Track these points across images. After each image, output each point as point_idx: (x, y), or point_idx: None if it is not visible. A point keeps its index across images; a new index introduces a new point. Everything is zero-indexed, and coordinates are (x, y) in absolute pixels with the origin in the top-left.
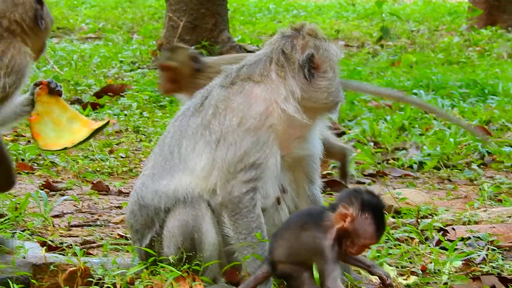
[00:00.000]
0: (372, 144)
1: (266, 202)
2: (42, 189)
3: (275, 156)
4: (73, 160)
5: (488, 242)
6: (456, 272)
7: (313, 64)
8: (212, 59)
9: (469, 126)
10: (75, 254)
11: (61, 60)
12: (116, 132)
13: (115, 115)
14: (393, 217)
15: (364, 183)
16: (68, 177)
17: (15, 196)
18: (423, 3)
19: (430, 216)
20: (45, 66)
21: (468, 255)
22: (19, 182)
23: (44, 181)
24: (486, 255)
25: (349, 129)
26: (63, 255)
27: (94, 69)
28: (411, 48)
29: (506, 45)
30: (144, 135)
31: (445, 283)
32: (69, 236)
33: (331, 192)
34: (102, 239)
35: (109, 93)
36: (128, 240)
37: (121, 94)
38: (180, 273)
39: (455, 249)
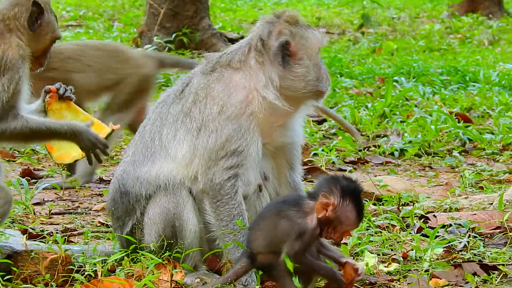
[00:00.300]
0: None
1: (247, 189)
2: (23, 177)
3: (256, 143)
4: None
5: (469, 229)
6: (437, 259)
7: (288, 52)
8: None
9: (351, 127)
10: (56, 242)
11: None
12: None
13: None
14: (374, 204)
15: (345, 170)
16: (49, 165)
17: None
18: None
19: (411, 203)
20: None
21: (450, 242)
22: None
23: (25, 169)
24: (468, 242)
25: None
26: (44, 242)
27: None
28: (392, 35)
29: (487, 32)
30: None
31: (426, 270)
32: (50, 224)
33: (312, 180)
34: (83, 226)
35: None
36: (109, 227)
37: None
38: (161, 260)
39: (436, 236)
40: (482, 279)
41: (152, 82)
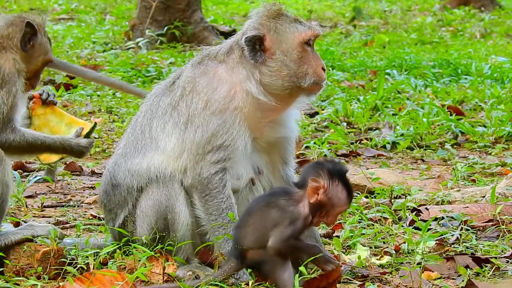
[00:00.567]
0: (345, 124)
1: (238, 183)
2: (15, 170)
3: (243, 137)
4: None
5: (461, 222)
6: (429, 252)
7: (260, 46)
8: None
9: (134, 90)
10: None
11: None
12: (89, 112)
13: (88, 95)
14: (367, 197)
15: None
16: None
17: None
18: None
19: (404, 196)
20: None
21: (442, 235)
22: None
23: (17, 162)
24: (460, 235)
25: (322, 109)
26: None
27: (67, 50)
28: (384, 28)
29: (479, 25)
30: (117, 115)
31: (419, 263)
32: (42, 217)
33: None
34: (75, 219)
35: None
36: (101, 220)
37: None
38: (153, 253)
39: (429, 229)
40: (475, 272)
41: None
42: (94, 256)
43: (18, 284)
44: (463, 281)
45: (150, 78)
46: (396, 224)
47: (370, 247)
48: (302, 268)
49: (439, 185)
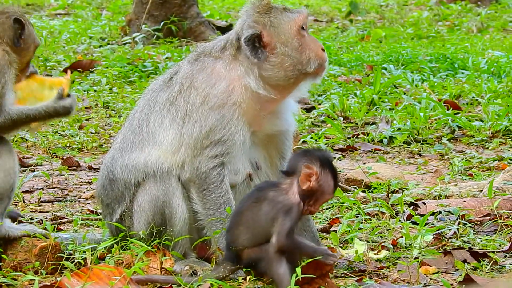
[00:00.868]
0: (342, 118)
1: (236, 178)
2: None
3: (241, 132)
4: (43, 136)
5: (459, 216)
6: (427, 246)
7: (260, 43)
8: None
9: None
10: (45, 230)
11: None
12: (86, 108)
13: (84, 91)
14: (364, 191)
15: (334, 158)
16: (38, 153)
17: None
18: None
19: (401, 191)
20: None
21: (439, 229)
22: None
23: None
24: (457, 229)
25: (319, 104)
26: None
27: (64, 45)
28: (380, 22)
29: (476, 20)
30: (114, 110)
31: (416, 258)
32: (40, 212)
33: None
34: (72, 214)
35: (78, 69)
36: (98, 215)
37: (90, 70)
38: (150, 248)
39: (426, 223)
40: (472, 267)
41: None
42: (91, 251)
43: (15, 279)
44: (460, 275)
45: (147, 73)
46: (393, 218)
47: (368, 242)
48: (298, 270)
49: (436, 179)
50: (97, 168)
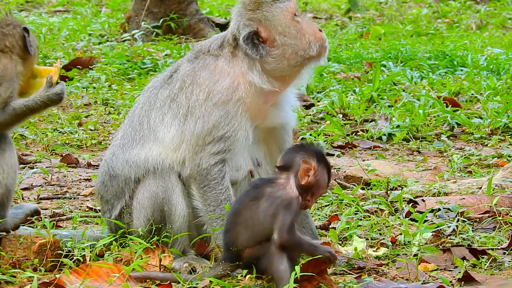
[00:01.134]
0: (341, 116)
1: (237, 174)
2: None
3: (244, 128)
4: (42, 133)
5: (458, 213)
6: (426, 243)
7: (259, 40)
8: None
9: None
10: (44, 227)
11: None
12: (85, 105)
13: (83, 88)
14: (363, 188)
15: (333, 155)
16: (37, 150)
17: None
18: None
19: (400, 188)
20: None
21: (438, 226)
22: None
23: None
24: (456, 226)
25: (318, 101)
26: (33, 227)
27: (63, 42)
28: (379, 20)
29: (475, 17)
30: (113, 107)
31: (415, 255)
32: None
33: None
34: (71, 211)
35: (77, 66)
36: (97, 212)
37: (89, 67)
38: (149, 245)
39: (425, 220)
40: (471, 264)
41: None
42: (90, 248)
43: (14, 276)
44: (459, 272)
45: (146, 70)
46: (392, 215)
47: (367, 239)
48: (297, 268)
49: (435, 176)
50: (96, 165)
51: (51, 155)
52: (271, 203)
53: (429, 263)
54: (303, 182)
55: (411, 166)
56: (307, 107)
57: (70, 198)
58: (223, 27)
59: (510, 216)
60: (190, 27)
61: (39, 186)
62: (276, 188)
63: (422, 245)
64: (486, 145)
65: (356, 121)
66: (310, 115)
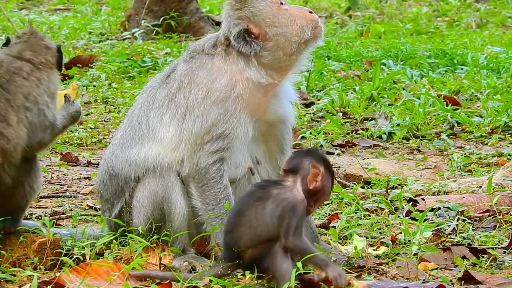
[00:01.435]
0: (341, 114)
1: (236, 171)
2: None
3: (243, 125)
4: None
5: (458, 212)
6: (426, 242)
7: (251, 36)
8: None
9: None
10: (44, 225)
11: None
12: (85, 103)
13: (84, 86)
14: (363, 187)
15: (333, 153)
16: None
17: None
18: None
19: (400, 187)
20: None
21: (438, 225)
22: None
23: None
24: (456, 225)
25: (318, 100)
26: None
27: (63, 41)
28: (379, 18)
29: (475, 15)
30: (113, 106)
31: (415, 254)
32: (39, 207)
33: None
34: (71, 210)
35: (78, 64)
36: (97, 211)
37: (90, 65)
38: (149, 243)
39: (425, 219)
40: (472, 263)
41: None
42: (90, 247)
43: (14, 275)
44: (460, 271)
45: (146, 69)
46: (392, 214)
47: (367, 238)
48: (299, 264)
49: (435, 175)
50: (96, 164)
51: (51, 153)
52: (277, 205)
53: (429, 262)
54: (311, 187)
55: (411, 164)
56: (307, 105)
57: (70, 197)
58: None
59: (510, 215)
60: (190, 25)
61: None
62: (283, 190)
63: (422, 244)
64: (486, 144)
65: (356, 119)
66: (310, 113)
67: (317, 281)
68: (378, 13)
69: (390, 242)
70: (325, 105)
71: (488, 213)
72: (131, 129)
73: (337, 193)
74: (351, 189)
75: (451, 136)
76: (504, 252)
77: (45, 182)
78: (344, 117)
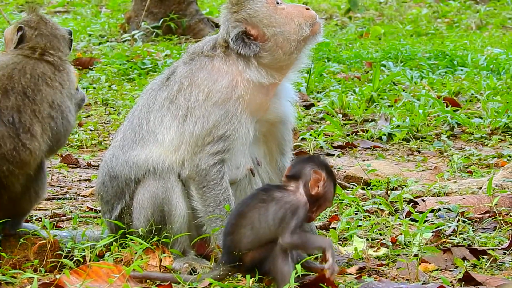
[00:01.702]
0: (341, 116)
1: (237, 172)
2: None
3: (244, 125)
4: None
5: (458, 213)
6: (426, 243)
7: (250, 38)
8: None
9: None
10: (44, 227)
11: None
12: (85, 105)
13: (84, 88)
14: (363, 189)
15: (333, 155)
16: None
17: None
18: None
19: (400, 188)
20: None
21: (439, 226)
22: None
23: None
24: (457, 226)
25: (318, 101)
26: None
27: None
28: (379, 20)
29: (475, 17)
30: (113, 108)
31: (416, 255)
32: (39, 209)
33: None
34: (71, 212)
35: (78, 67)
36: (97, 213)
37: (90, 67)
38: (149, 245)
39: (425, 220)
40: (472, 264)
41: None
42: (90, 249)
43: (14, 277)
44: (460, 273)
45: (146, 71)
46: (392, 215)
47: (367, 239)
48: (298, 267)
49: (435, 176)
50: (97, 166)
51: None
52: (280, 207)
53: (430, 263)
54: (313, 192)
55: (411, 166)
56: (307, 107)
57: (70, 199)
58: None
59: (510, 216)
60: (190, 27)
61: None
62: (286, 194)
63: (422, 245)
64: (486, 145)
65: (356, 121)
66: (310, 115)
67: (320, 268)
68: (378, 15)
69: (390, 243)
70: (325, 106)
71: (488, 214)
72: (131, 131)
73: (337, 195)
74: (351, 190)
75: (451, 138)
76: (505, 253)
77: None
78: (344, 119)
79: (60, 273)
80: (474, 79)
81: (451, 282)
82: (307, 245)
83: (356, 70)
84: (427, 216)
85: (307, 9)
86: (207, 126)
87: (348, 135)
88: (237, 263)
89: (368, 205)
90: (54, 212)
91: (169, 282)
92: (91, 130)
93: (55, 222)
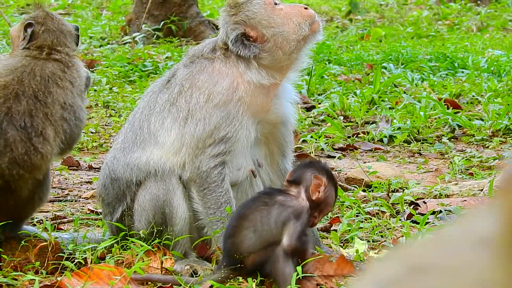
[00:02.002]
0: (342, 118)
1: (238, 174)
2: None
3: (245, 127)
4: None
5: (459, 215)
6: None
7: (249, 40)
8: None
9: None
10: (45, 229)
11: None
12: (86, 107)
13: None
14: (364, 191)
15: (334, 157)
16: None
17: None
18: None
19: (401, 190)
20: None
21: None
22: None
23: None
24: None
25: (319, 103)
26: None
27: None
28: (380, 22)
29: (475, 19)
30: (114, 110)
31: None
32: (40, 212)
33: None
34: (72, 214)
35: None
36: (98, 215)
37: (91, 69)
38: (150, 247)
39: (427, 222)
40: None
41: None
42: (91, 251)
43: (16, 279)
44: None
45: (147, 73)
46: (394, 217)
47: (368, 241)
48: (298, 268)
49: (436, 178)
50: (97, 168)
51: None
52: (283, 211)
53: None
54: (314, 197)
55: (412, 168)
56: (308, 109)
57: (71, 201)
58: None
59: None
60: (190, 29)
61: None
62: (288, 198)
63: None
64: (487, 147)
65: (357, 123)
66: (311, 117)
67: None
68: (379, 17)
69: (392, 245)
70: (326, 108)
71: None
72: (132, 133)
73: (338, 197)
74: (352, 192)
75: (452, 140)
76: None
77: None
78: (345, 121)
79: (61, 275)
80: (475, 81)
81: None
82: (310, 250)
83: (357, 72)
84: (428, 218)
85: (306, 8)
86: (208, 128)
87: (349, 137)
88: (238, 265)
89: (369, 207)
90: (55, 214)
91: (170, 284)
92: (92, 132)
93: (56, 224)
